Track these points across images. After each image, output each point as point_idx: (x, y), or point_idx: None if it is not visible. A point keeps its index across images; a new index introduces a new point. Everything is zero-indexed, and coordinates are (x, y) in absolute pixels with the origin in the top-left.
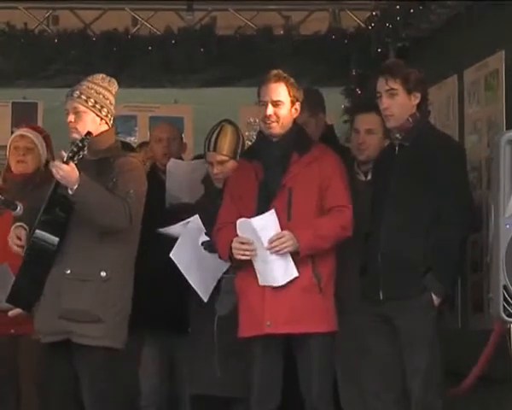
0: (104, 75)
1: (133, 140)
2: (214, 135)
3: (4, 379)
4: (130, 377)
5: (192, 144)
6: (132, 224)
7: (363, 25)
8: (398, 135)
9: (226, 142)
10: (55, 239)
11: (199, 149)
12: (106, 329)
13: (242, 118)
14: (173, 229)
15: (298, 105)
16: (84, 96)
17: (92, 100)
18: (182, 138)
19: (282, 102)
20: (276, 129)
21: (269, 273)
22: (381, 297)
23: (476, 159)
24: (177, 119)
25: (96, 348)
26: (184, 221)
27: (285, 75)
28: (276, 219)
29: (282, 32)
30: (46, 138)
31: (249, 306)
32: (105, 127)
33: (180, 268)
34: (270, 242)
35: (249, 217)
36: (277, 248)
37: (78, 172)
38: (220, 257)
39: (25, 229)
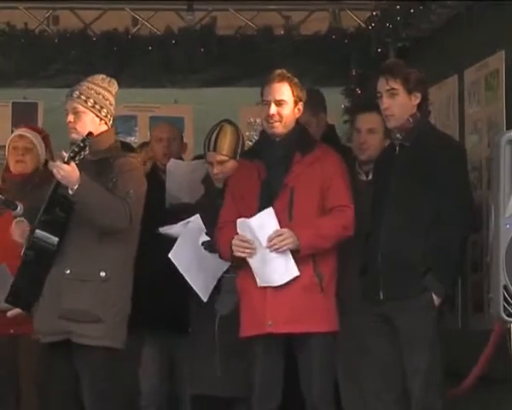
0: (104, 76)
1: (133, 140)
2: (214, 135)
3: (4, 379)
4: (130, 377)
5: (192, 144)
6: (132, 224)
7: (363, 25)
8: (398, 135)
9: (226, 142)
10: (55, 239)
11: (199, 149)
12: (106, 329)
13: (242, 118)
14: (173, 229)
15: (301, 105)
16: (83, 97)
17: (92, 100)
18: (182, 138)
19: (285, 102)
20: (279, 128)
21: (268, 273)
22: (381, 297)
23: (476, 159)
24: (178, 119)
25: (96, 348)
26: (184, 221)
27: (289, 75)
28: (275, 217)
29: (282, 32)
30: (45, 138)
31: (251, 305)
32: (104, 128)
33: (179, 268)
34: (270, 239)
35: (251, 216)
36: (277, 246)
37: (78, 173)
38: (221, 256)
39: (27, 224)
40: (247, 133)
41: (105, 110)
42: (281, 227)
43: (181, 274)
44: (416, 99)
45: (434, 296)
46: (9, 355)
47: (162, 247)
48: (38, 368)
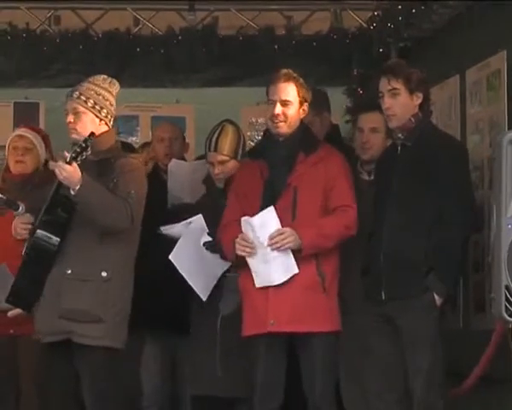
0: (105, 76)
1: (135, 140)
2: (215, 135)
3: (4, 379)
4: (131, 377)
5: (194, 144)
6: (133, 224)
7: (364, 25)
8: (400, 135)
9: (227, 142)
10: (56, 239)
11: (200, 149)
12: (106, 329)
13: (244, 118)
14: (175, 228)
15: (306, 106)
16: (83, 97)
17: (92, 101)
18: (184, 138)
19: (290, 102)
20: (284, 128)
21: (268, 273)
22: (383, 297)
23: (478, 159)
24: (179, 118)
25: (96, 348)
26: (186, 221)
27: (295, 75)
28: (276, 216)
29: (283, 32)
30: (45, 138)
31: (253, 305)
32: (105, 128)
33: (179, 270)
34: (271, 238)
35: (253, 215)
36: (278, 245)
37: (80, 173)
38: (224, 255)
39: (27, 217)
40: (248, 133)
41: (105, 111)
42: (284, 227)
43: (182, 275)
44: (418, 99)
45: (436, 296)
46: (9, 355)
47: (163, 247)
48: (38, 368)
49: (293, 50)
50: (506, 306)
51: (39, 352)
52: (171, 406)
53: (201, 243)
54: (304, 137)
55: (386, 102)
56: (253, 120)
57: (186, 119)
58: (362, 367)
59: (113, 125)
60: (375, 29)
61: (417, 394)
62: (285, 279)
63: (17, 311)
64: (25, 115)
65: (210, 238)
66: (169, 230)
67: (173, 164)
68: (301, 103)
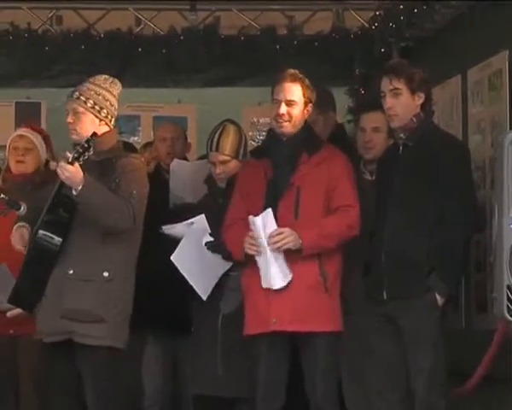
0: (107, 76)
1: (136, 140)
2: (216, 135)
3: (4, 380)
4: (133, 377)
5: (196, 144)
6: (135, 224)
7: (366, 25)
8: (402, 135)
9: (228, 142)
10: (58, 239)
11: (202, 149)
12: (108, 329)
13: (245, 118)
14: (176, 228)
15: (310, 107)
16: (83, 98)
17: (91, 101)
18: (186, 138)
19: (295, 102)
20: (288, 128)
21: (269, 276)
22: (385, 297)
23: (480, 159)
24: (181, 118)
25: (98, 348)
26: (188, 221)
27: (301, 76)
28: (273, 218)
29: (285, 32)
30: (46, 138)
31: (255, 304)
32: (105, 128)
33: (181, 271)
34: (271, 237)
35: (257, 215)
36: (278, 245)
37: (82, 174)
38: (227, 255)
39: (27, 229)
40: (250, 133)
41: (105, 111)
42: (286, 226)
43: (183, 275)
44: (420, 99)
45: (438, 296)
46: (9, 356)
47: (165, 247)
48: (38, 368)
49: (294, 50)
50: (508, 306)
51: (39, 352)
52: (173, 406)
53: (203, 243)
54: (307, 137)
55: (388, 101)
56: (255, 119)
57: (188, 119)
58: (364, 367)
59: (114, 126)
60: (377, 29)
61: (419, 394)
62: (283, 285)
63: (17, 311)
64: (26, 115)
65: (211, 238)
66: (171, 229)
67: (175, 164)
68: (306, 104)
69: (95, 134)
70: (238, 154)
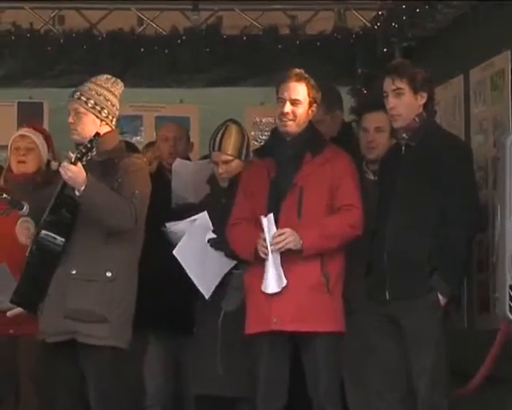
0: (109, 76)
1: (139, 140)
2: (219, 135)
3: (3, 379)
4: (135, 376)
5: (198, 144)
6: (138, 224)
7: (368, 24)
8: (404, 135)
9: (231, 142)
10: (61, 240)
11: (205, 149)
12: (111, 329)
13: (248, 118)
14: (179, 225)
15: (315, 107)
16: (84, 98)
17: (92, 101)
18: (189, 138)
19: (300, 102)
20: (292, 127)
21: (265, 279)
22: (387, 297)
23: (482, 159)
24: (183, 118)
25: (101, 348)
26: (191, 218)
27: (306, 76)
28: (273, 222)
29: (287, 32)
30: (47, 138)
31: (257, 303)
32: (107, 129)
33: (183, 265)
34: (273, 238)
35: (260, 214)
36: (279, 245)
37: (85, 174)
38: (232, 254)
39: (31, 223)
40: (252, 133)
41: (106, 111)
42: (289, 226)
43: (185, 274)
44: (422, 99)
45: (440, 296)
46: (9, 355)
47: (166, 246)
48: (38, 368)
49: (297, 50)
50: (510, 305)
51: (39, 352)
52: (175, 405)
53: (206, 240)
54: (311, 137)
55: (391, 101)
56: (257, 119)
57: (190, 119)
58: (365, 367)
59: (116, 126)
60: (379, 29)
61: (422, 393)
62: (278, 290)
63: (16, 310)
64: (29, 115)
65: (214, 235)
66: (173, 226)
67: (177, 163)
68: (311, 104)
69: (98, 134)
70: (240, 154)
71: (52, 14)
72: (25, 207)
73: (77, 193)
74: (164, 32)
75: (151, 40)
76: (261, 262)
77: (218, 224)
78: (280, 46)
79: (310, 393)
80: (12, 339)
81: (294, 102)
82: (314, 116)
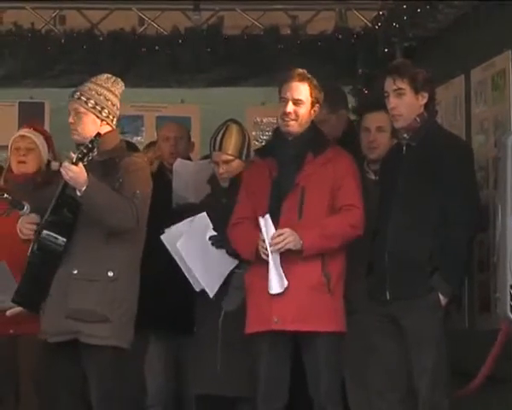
0: (109, 75)
1: (140, 140)
2: (220, 135)
3: (3, 379)
4: (136, 376)
5: (199, 144)
6: (139, 224)
7: (369, 24)
8: (405, 135)
9: (232, 141)
10: (63, 240)
11: (206, 149)
12: (113, 328)
13: (249, 118)
14: (178, 228)
15: (317, 107)
16: (84, 98)
17: (92, 101)
18: (190, 138)
19: (302, 102)
20: (294, 127)
21: (270, 280)
22: (388, 297)
23: (483, 159)
24: (184, 118)
25: (103, 348)
26: (189, 219)
27: (309, 76)
28: (271, 224)
29: (288, 32)
30: (48, 139)
31: (257, 302)
32: (107, 128)
33: (186, 260)
34: (272, 239)
35: (262, 214)
36: (279, 246)
37: (86, 174)
38: (233, 252)
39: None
40: (253, 133)
41: (106, 111)
42: (290, 226)
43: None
44: (423, 99)
45: (441, 296)
46: (9, 355)
47: (167, 247)
48: (38, 368)
49: (298, 50)
50: (511, 305)
51: (39, 352)
52: (175, 405)
53: (207, 238)
54: (313, 137)
55: (392, 102)
56: (258, 119)
57: (191, 119)
58: (366, 367)
59: (116, 125)
60: (380, 29)
61: (422, 393)
62: (280, 291)
63: (16, 310)
64: (30, 115)
65: (215, 233)
66: (172, 230)
67: (178, 163)
68: (313, 104)
69: (99, 134)
70: (241, 154)
71: (53, 14)
72: (25, 208)
73: (78, 193)
74: (165, 32)
75: (152, 40)
76: (262, 262)
77: (219, 225)
78: (281, 46)
79: (311, 393)
80: (12, 339)
81: (297, 102)
82: (317, 116)
